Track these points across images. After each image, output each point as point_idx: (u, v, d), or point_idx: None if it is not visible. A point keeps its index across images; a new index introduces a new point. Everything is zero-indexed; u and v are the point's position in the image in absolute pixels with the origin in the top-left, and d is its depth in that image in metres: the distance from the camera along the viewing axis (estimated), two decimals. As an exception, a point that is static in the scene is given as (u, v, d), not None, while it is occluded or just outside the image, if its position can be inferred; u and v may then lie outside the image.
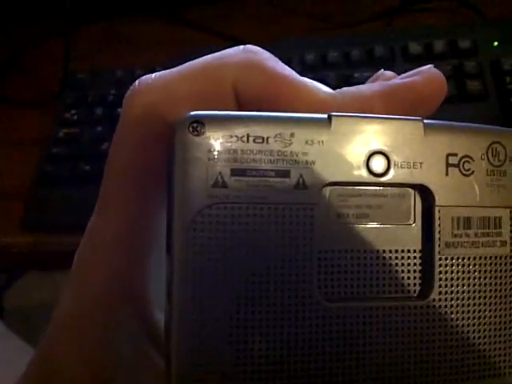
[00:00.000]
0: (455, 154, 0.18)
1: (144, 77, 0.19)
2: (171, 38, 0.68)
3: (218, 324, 0.16)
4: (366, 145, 0.17)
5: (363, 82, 0.56)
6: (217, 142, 0.16)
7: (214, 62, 0.18)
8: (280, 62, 0.19)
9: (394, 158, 0.17)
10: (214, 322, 0.16)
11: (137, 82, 0.19)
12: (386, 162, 0.17)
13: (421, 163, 0.17)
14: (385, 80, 0.20)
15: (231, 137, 0.16)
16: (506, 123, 0.48)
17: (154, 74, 0.19)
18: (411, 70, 0.54)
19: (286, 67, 0.18)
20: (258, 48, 0.19)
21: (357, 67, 0.54)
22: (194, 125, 0.16)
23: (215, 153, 0.16)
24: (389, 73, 0.21)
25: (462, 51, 0.52)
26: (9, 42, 0.70)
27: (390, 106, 0.19)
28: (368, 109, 0.18)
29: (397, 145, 0.17)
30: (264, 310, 0.16)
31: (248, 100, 0.18)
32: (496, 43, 0.53)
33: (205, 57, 0.19)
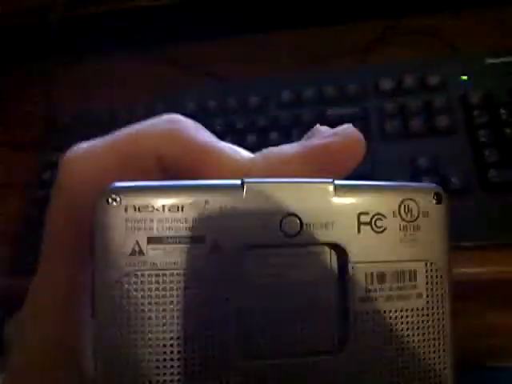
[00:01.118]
0: (366, 213, 0.19)
1: (75, 148, 0.20)
2: (155, 76, 0.70)
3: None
4: (278, 208, 0.18)
5: (337, 119, 0.58)
6: (133, 212, 0.17)
7: (137, 134, 0.19)
8: (202, 130, 0.20)
9: (306, 219, 0.18)
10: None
11: (68, 152, 0.20)
12: (298, 223, 0.18)
13: (332, 223, 0.18)
14: (319, 136, 0.21)
15: (147, 207, 0.17)
16: (475, 156, 0.49)
17: (84, 145, 0.20)
18: (383, 106, 0.55)
19: (208, 134, 0.20)
20: (181, 117, 0.20)
21: (330, 104, 0.55)
22: (113, 196, 0.17)
23: (132, 222, 0.17)
24: (323, 128, 0.22)
25: (432, 86, 0.54)
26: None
27: (309, 167, 0.20)
28: (289, 171, 0.19)
29: (308, 207, 0.18)
30: (182, 373, 0.17)
31: (171, 169, 0.19)
32: (465, 77, 0.54)
33: (130, 127, 0.20)
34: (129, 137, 0.19)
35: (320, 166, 0.20)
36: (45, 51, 0.64)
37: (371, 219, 0.19)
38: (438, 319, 0.19)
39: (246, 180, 0.18)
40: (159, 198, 0.17)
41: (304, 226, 0.18)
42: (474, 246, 0.45)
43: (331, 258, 0.19)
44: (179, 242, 0.17)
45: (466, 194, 0.47)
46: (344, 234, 0.18)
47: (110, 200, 0.17)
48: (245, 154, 0.20)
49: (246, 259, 0.18)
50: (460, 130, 0.51)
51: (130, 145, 0.19)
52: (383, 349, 0.18)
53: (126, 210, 0.17)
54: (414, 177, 0.48)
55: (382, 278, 0.19)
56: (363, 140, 0.20)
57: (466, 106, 0.52)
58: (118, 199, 0.17)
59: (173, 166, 0.19)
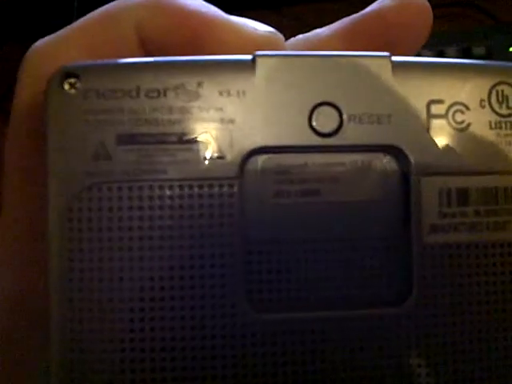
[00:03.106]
0: (441, 101, 0.13)
1: (39, 40, 0.15)
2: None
3: (104, 348, 0.12)
4: (306, 94, 0.12)
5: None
6: (97, 99, 0.12)
7: (114, 7, 0.14)
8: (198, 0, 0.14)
9: (347, 110, 0.12)
10: (100, 346, 0.12)
11: (32, 47, 0.15)
12: (336, 115, 0.12)
13: (389, 116, 0.12)
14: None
15: (115, 91, 0.12)
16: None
17: (50, 36, 0.15)
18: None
19: (205, 3, 0.14)
20: None
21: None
22: (70, 79, 0.12)
23: (95, 114, 0.12)
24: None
25: (477, 58, 0.47)
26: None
27: (355, 46, 0.14)
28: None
29: (352, 92, 0.12)
30: (167, 328, 0.12)
31: (157, 48, 0.14)
32: (511, 48, 0.48)
33: (106, 6, 0.14)
34: (103, 13, 0.14)
35: (373, 41, 0.14)
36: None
37: (447, 110, 0.13)
38: (550, 260, 0.13)
39: (260, 53, 0.12)
40: (133, 77, 0.12)
41: (345, 121, 0.12)
42: None
43: (387, 168, 0.13)
44: (161, 142, 0.12)
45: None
46: (406, 132, 0.12)
47: (64, 84, 0.12)
48: (264, 27, 0.14)
49: (260, 169, 0.13)
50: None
51: (103, 25, 0.14)
52: (463, 298, 0.12)
53: (85, 96, 0.12)
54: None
55: (463, 196, 0.13)
56: (428, 5, 0.14)
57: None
58: (75, 83, 0.12)
59: (159, 45, 0.14)
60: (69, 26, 0.15)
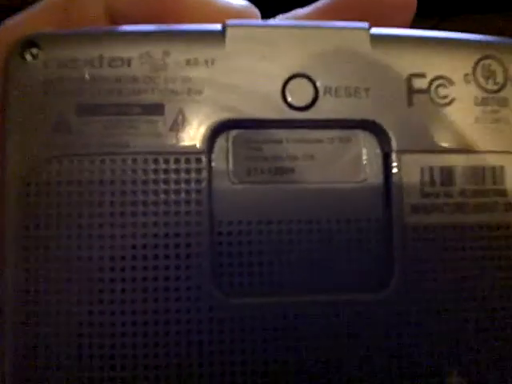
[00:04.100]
0: (423, 75, 0.12)
1: (10, 18, 0.14)
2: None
3: (60, 326, 0.11)
4: (279, 65, 0.12)
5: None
6: (57, 69, 0.11)
7: None
8: None
9: (323, 82, 0.12)
10: (55, 325, 0.11)
11: (2, 24, 0.14)
12: (311, 88, 0.12)
13: (367, 89, 0.12)
14: None
15: (76, 60, 0.11)
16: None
17: (20, 13, 0.14)
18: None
19: None
20: None
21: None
22: (31, 49, 0.12)
23: (55, 84, 0.11)
24: None
25: None
26: None
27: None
28: None
29: (327, 63, 0.12)
30: (128, 311, 0.11)
31: (125, 19, 0.13)
32: None
33: None
34: None
35: (349, 19, 0.13)
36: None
37: (430, 84, 0.12)
38: (540, 246, 0.12)
39: (230, 22, 0.12)
40: (95, 46, 0.11)
41: (320, 94, 0.12)
42: None
43: (365, 145, 0.12)
44: (124, 113, 0.11)
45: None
46: (386, 106, 0.12)
47: (25, 54, 0.11)
48: (239, 1, 0.13)
49: (231, 144, 0.12)
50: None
51: None
52: (445, 281, 0.12)
53: (46, 66, 0.11)
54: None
55: (447, 176, 0.12)
56: None
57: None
58: (35, 52, 0.11)
59: (129, 17, 0.13)
60: (38, 2, 0.14)
